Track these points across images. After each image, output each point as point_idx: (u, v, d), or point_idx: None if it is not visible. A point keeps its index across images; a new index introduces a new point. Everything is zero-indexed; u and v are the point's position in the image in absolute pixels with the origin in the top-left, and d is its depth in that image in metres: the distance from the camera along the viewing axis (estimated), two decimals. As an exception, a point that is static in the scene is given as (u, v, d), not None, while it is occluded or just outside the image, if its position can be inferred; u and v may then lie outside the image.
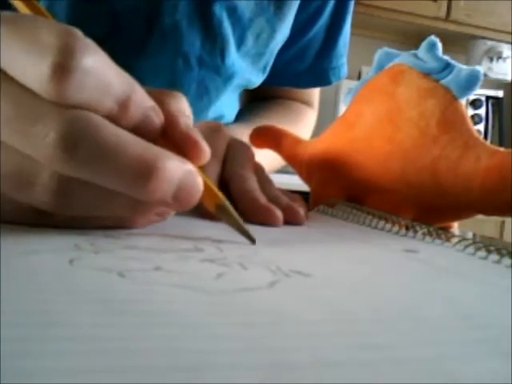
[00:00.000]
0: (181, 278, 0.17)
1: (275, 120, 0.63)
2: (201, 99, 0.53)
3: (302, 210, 0.32)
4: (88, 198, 0.22)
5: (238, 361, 0.11)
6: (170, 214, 0.26)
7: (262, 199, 0.32)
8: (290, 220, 0.31)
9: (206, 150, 0.24)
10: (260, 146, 0.47)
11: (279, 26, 0.55)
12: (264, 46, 0.55)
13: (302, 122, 0.69)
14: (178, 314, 0.14)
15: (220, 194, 0.25)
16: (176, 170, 0.21)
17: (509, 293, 0.19)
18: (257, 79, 0.59)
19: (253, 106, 0.69)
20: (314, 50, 0.64)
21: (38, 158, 0.20)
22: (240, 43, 0.52)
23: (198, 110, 0.53)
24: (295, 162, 0.46)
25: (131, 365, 0.10)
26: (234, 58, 0.52)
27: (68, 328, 0.12)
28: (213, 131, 0.36)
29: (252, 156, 0.36)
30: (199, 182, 0.22)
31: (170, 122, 0.24)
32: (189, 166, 0.22)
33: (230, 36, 0.51)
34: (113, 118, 0.21)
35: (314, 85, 0.70)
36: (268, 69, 0.59)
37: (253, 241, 0.24)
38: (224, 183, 0.33)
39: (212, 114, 0.56)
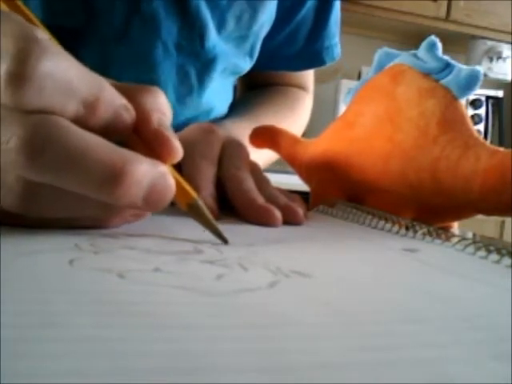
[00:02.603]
0: (181, 279, 0.17)
1: (272, 110, 0.63)
2: (182, 84, 0.53)
3: (300, 210, 0.32)
4: (56, 200, 0.21)
5: (238, 362, 0.11)
6: (147, 214, 0.25)
7: (260, 199, 0.31)
8: (289, 220, 0.31)
9: (178, 149, 0.24)
10: (260, 146, 0.47)
11: (261, 7, 0.54)
12: (246, 28, 0.54)
13: (299, 109, 0.69)
14: (178, 315, 0.14)
15: (192, 193, 0.25)
16: (146, 173, 0.21)
17: (509, 293, 0.19)
18: (244, 64, 0.58)
19: (248, 95, 0.68)
20: (305, 31, 0.63)
21: (1, 163, 0.20)
22: (220, 27, 0.52)
23: (181, 95, 0.53)
24: (295, 162, 0.46)
25: (131, 366, 0.10)
26: (215, 41, 0.52)
27: (68, 329, 0.12)
28: (206, 133, 0.36)
29: (247, 155, 0.36)
30: (171, 183, 0.22)
31: (142, 120, 0.23)
32: (160, 168, 0.22)
33: (208, 20, 0.50)
34: (80, 120, 0.21)
35: (308, 67, 0.68)
36: (256, 52, 0.58)
37: (225, 241, 0.24)
38: (221, 184, 0.33)
39: (201, 107, 0.56)
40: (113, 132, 0.22)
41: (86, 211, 0.23)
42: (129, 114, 0.23)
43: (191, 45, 0.51)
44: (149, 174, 0.21)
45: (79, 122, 0.21)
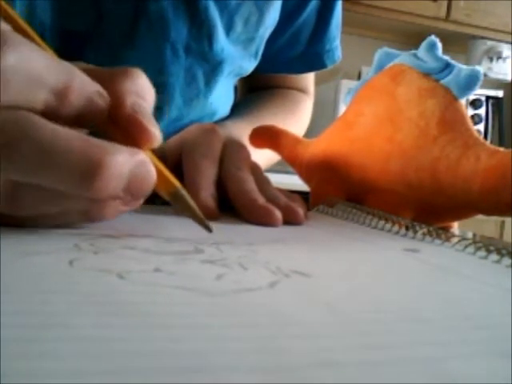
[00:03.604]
0: (181, 279, 0.17)
1: (272, 112, 0.63)
2: (189, 86, 0.52)
3: (301, 210, 0.32)
4: (39, 197, 0.21)
5: (239, 362, 0.11)
6: (138, 203, 0.24)
7: (261, 200, 0.31)
8: (290, 220, 0.31)
9: (154, 134, 0.23)
10: (260, 146, 0.47)
11: (267, 10, 0.54)
12: (254, 30, 0.54)
13: (299, 111, 0.69)
14: (178, 315, 0.14)
15: (174, 181, 0.24)
16: (124, 163, 0.20)
17: (509, 293, 0.19)
18: (249, 65, 0.58)
19: (249, 98, 0.68)
20: (307, 34, 0.63)
21: None
22: (229, 29, 0.52)
23: (188, 97, 0.53)
24: (295, 162, 0.46)
25: (132, 366, 0.10)
26: (224, 44, 0.52)
27: (68, 329, 0.12)
28: (207, 132, 0.36)
29: (248, 156, 0.36)
30: (151, 170, 0.22)
31: (116, 105, 0.23)
32: (139, 156, 0.21)
33: (217, 21, 0.50)
34: (52, 110, 0.21)
35: (309, 69, 0.68)
36: (259, 54, 0.58)
37: (209, 230, 0.23)
38: (221, 184, 0.33)
39: (206, 110, 0.56)
40: (87, 120, 0.22)
41: (70, 206, 0.22)
42: (103, 100, 0.22)
43: (200, 46, 0.50)
44: (127, 163, 0.20)
45: (51, 112, 0.21)
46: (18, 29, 0.23)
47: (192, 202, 0.24)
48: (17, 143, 0.19)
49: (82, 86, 0.22)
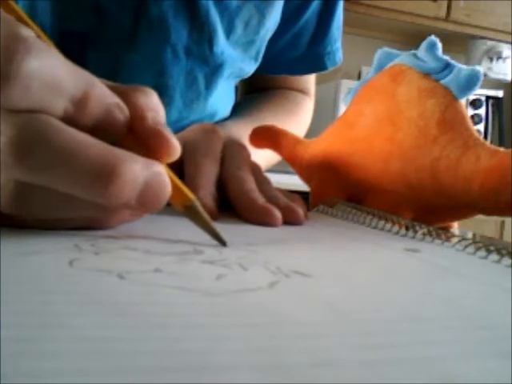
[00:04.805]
0: (181, 279, 0.17)
1: (273, 112, 0.63)
2: (190, 89, 0.53)
3: (301, 210, 0.32)
4: (48, 201, 0.21)
5: (239, 362, 0.11)
6: (145, 213, 0.24)
7: (261, 200, 0.31)
8: (290, 220, 0.31)
9: (176, 146, 0.23)
10: (260, 146, 0.47)
11: (268, 12, 0.54)
12: (254, 33, 0.54)
13: (299, 112, 0.69)
14: (178, 315, 0.14)
15: (189, 194, 0.24)
16: (139, 172, 0.20)
17: (509, 293, 0.19)
18: (249, 68, 0.58)
19: (249, 98, 0.68)
20: (308, 35, 0.64)
21: None
22: (229, 32, 0.52)
23: (188, 99, 0.53)
24: (295, 162, 0.46)
25: (132, 366, 0.10)
26: (224, 46, 0.52)
27: (68, 329, 0.12)
28: (207, 132, 0.36)
29: (248, 156, 0.36)
30: (166, 183, 0.21)
31: (137, 118, 0.23)
32: (155, 167, 0.21)
33: (217, 24, 0.50)
34: (70, 118, 0.21)
35: (310, 71, 0.69)
36: (260, 56, 0.58)
37: (224, 244, 0.23)
38: (221, 184, 0.33)
39: (206, 110, 0.56)
40: (106, 131, 0.22)
41: (80, 212, 0.22)
42: (122, 113, 0.22)
43: (200, 49, 0.50)
44: (143, 173, 0.20)
45: (69, 120, 0.21)
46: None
47: (206, 216, 0.24)
48: (32, 145, 0.19)
49: (101, 96, 0.22)
